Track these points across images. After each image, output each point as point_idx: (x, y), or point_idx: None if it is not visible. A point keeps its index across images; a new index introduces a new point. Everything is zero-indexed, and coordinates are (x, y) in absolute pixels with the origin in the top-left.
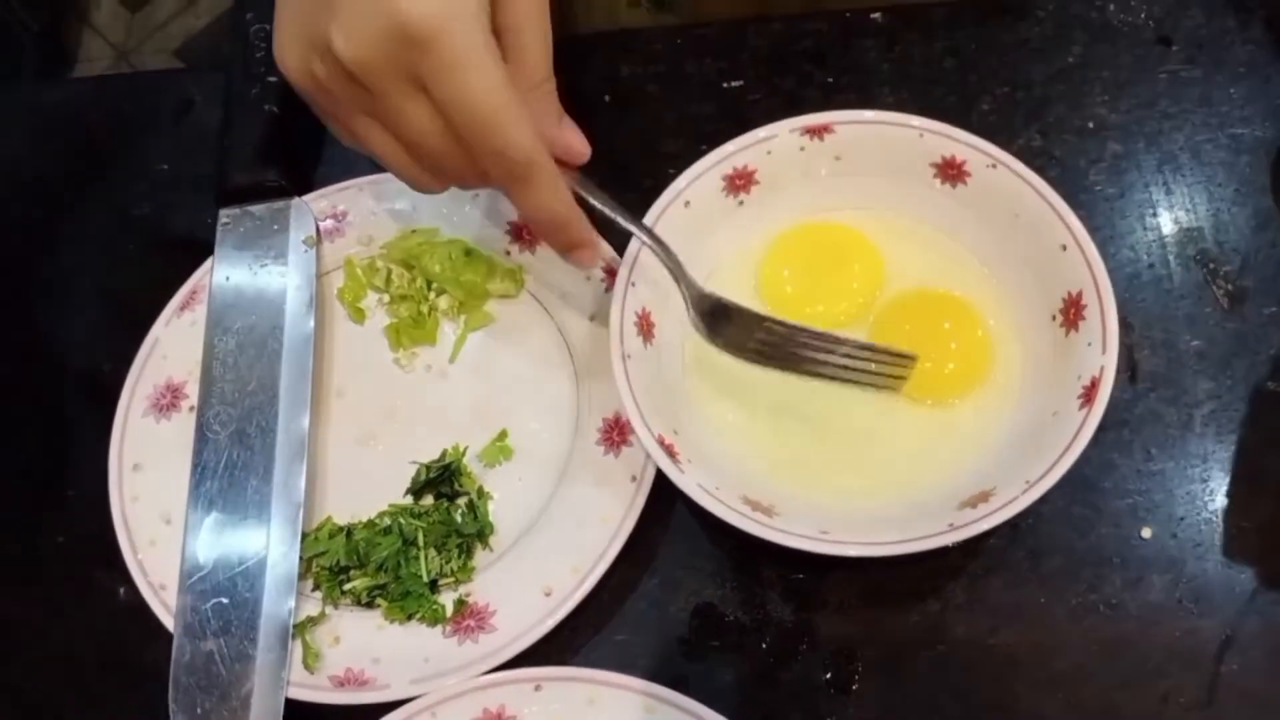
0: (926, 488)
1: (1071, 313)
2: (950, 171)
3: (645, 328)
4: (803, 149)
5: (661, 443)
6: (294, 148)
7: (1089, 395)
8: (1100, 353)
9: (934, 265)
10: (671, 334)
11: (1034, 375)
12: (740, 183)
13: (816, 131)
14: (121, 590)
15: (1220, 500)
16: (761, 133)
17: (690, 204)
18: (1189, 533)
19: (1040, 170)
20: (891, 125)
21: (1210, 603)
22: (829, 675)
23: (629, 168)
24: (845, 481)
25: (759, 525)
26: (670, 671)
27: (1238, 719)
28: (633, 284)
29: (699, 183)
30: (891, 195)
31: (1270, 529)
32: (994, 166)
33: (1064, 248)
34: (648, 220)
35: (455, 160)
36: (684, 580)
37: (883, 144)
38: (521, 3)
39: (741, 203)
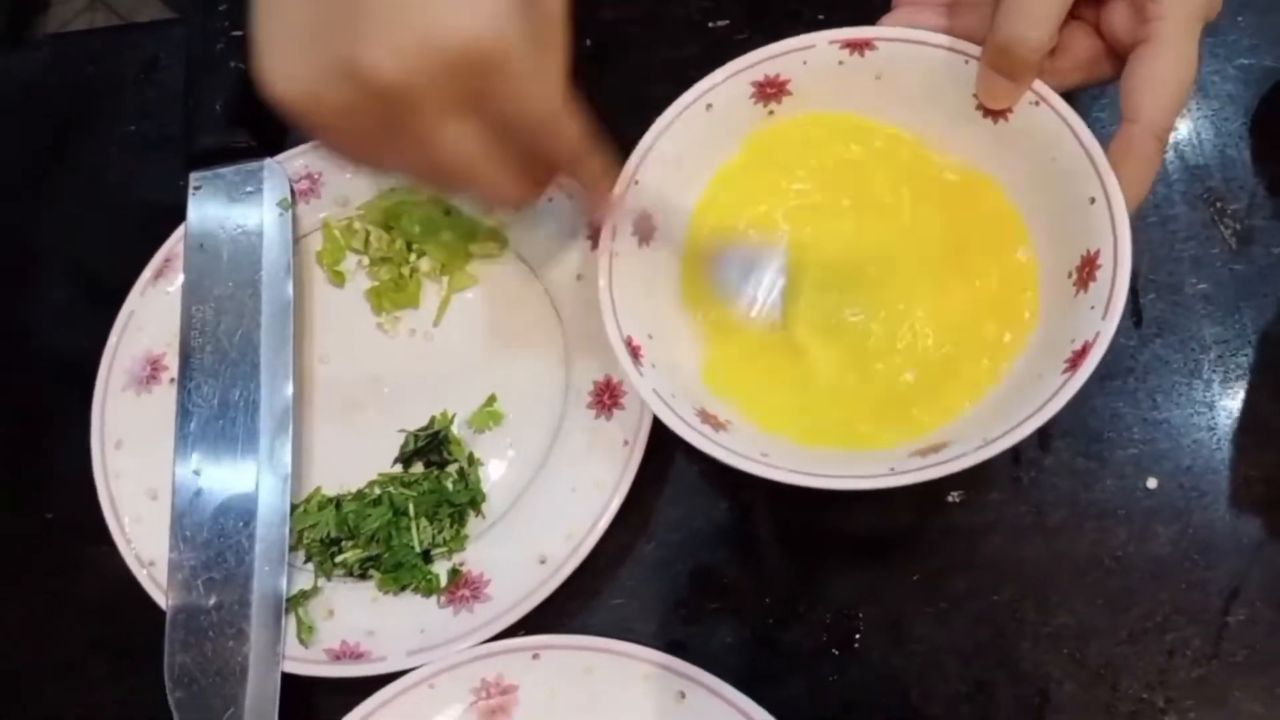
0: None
1: (1085, 272)
2: None
3: (644, 228)
4: (841, 63)
5: (629, 344)
6: (263, 107)
7: (1075, 361)
8: (1100, 317)
9: (966, 205)
10: (675, 236)
11: (1036, 335)
12: (771, 91)
13: (857, 46)
14: (112, 567)
15: (1227, 449)
16: (797, 41)
17: (713, 107)
18: (1195, 483)
19: None
20: (937, 48)
21: (1217, 554)
22: (829, 636)
23: (611, 116)
24: (806, 417)
25: (699, 437)
26: (668, 636)
27: (1245, 672)
28: (636, 183)
29: (725, 86)
30: (931, 124)
31: (1277, 477)
32: (1037, 104)
33: (1092, 200)
34: (665, 118)
35: (489, 172)
36: (680, 544)
37: (926, 67)
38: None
39: (772, 113)
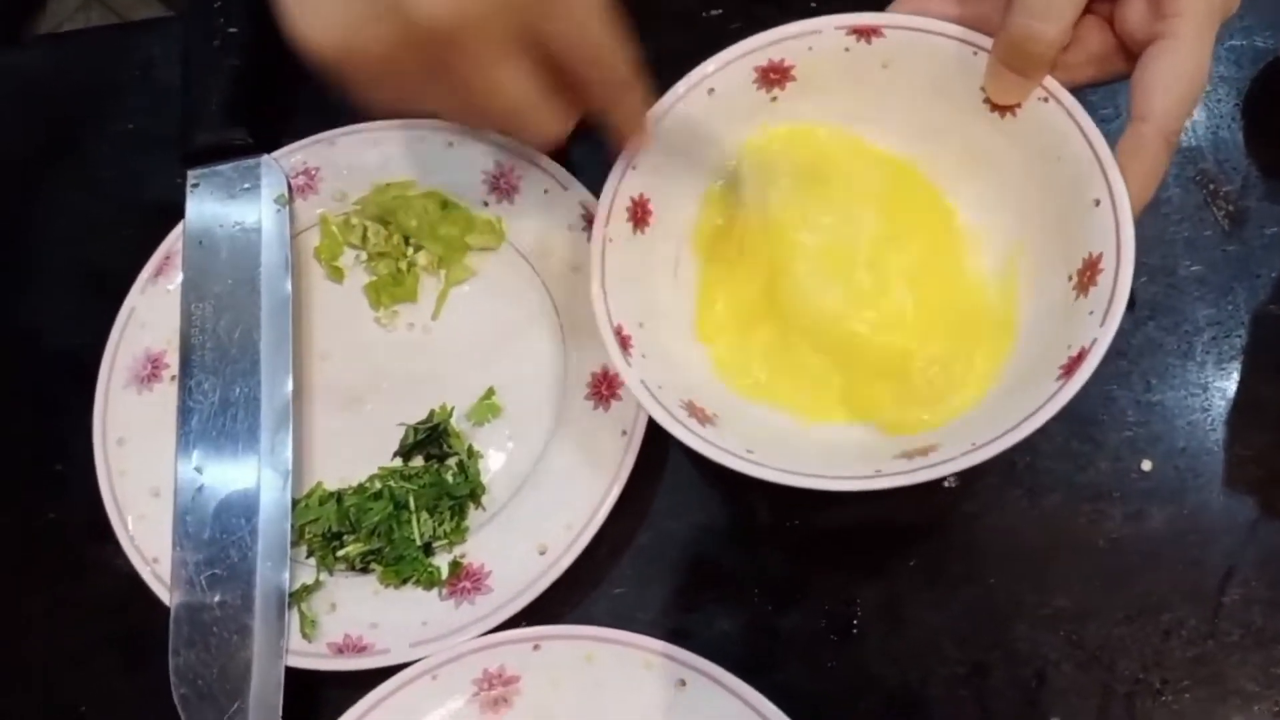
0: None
1: (1086, 275)
2: None
3: (639, 214)
4: (848, 50)
5: (618, 332)
6: (259, 103)
7: (1071, 367)
8: (1098, 324)
9: (971, 200)
10: (669, 225)
11: (1031, 338)
12: (775, 77)
13: (865, 33)
14: (116, 564)
15: (1221, 430)
16: (803, 25)
17: (715, 91)
18: (1190, 464)
19: None
20: (945, 37)
21: (1212, 535)
22: (828, 622)
23: None
24: (796, 415)
25: (684, 430)
26: (668, 624)
27: (1241, 651)
28: (633, 167)
29: (728, 70)
30: (937, 116)
31: (1271, 457)
32: (1046, 100)
33: (1097, 202)
34: (664, 103)
35: (535, 110)
36: (679, 533)
37: (934, 57)
38: None
39: (775, 99)
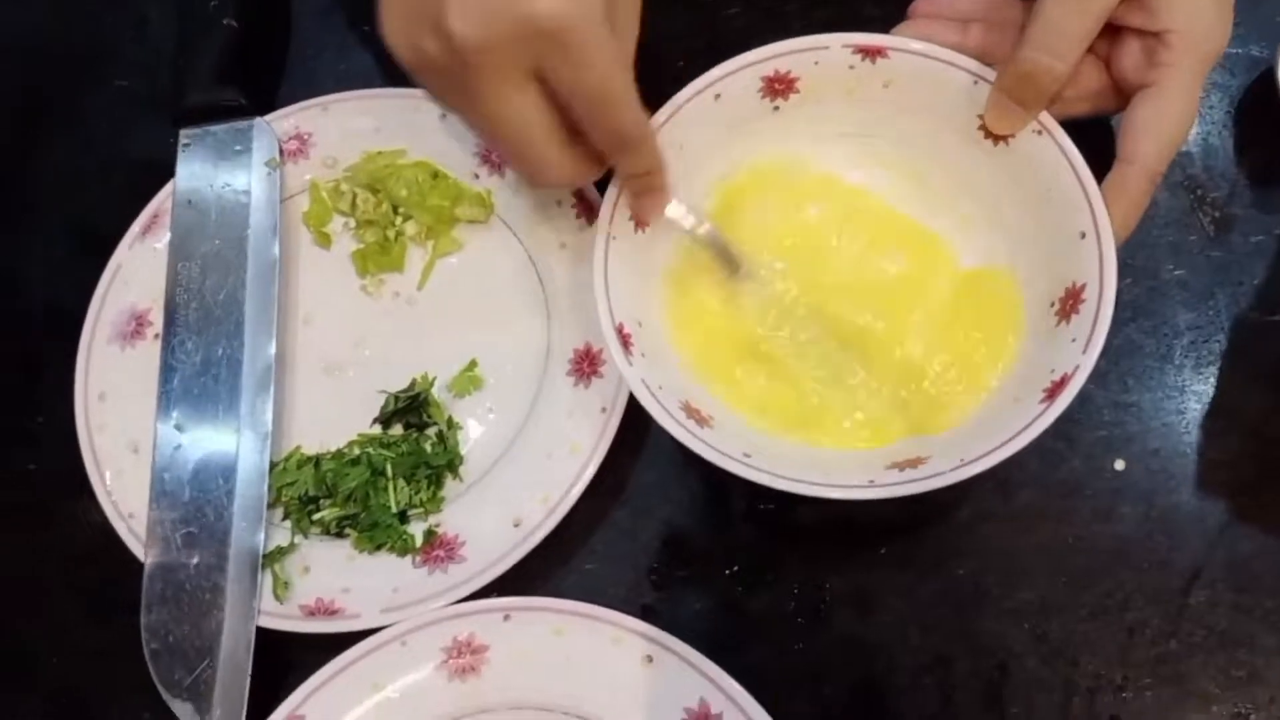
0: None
1: (1069, 304)
2: None
3: None
4: (852, 67)
5: (619, 331)
6: (254, 65)
7: (1053, 392)
8: (1080, 351)
9: (958, 224)
10: (668, 224)
11: (1016, 360)
12: (780, 87)
13: (870, 53)
14: (92, 518)
15: (1195, 433)
16: (811, 40)
17: (721, 97)
18: (1163, 465)
19: None
20: (946, 64)
21: (1180, 536)
22: (796, 605)
23: None
24: (792, 420)
25: (684, 432)
26: (638, 601)
27: (1203, 652)
28: None
29: (734, 78)
30: (932, 139)
31: (1243, 463)
32: (1040, 133)
33: (1083, 235)
34: (672, 103)
35: (540, 144)
36: (654, 510)
37: (935, 82)
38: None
39: (777, 108)
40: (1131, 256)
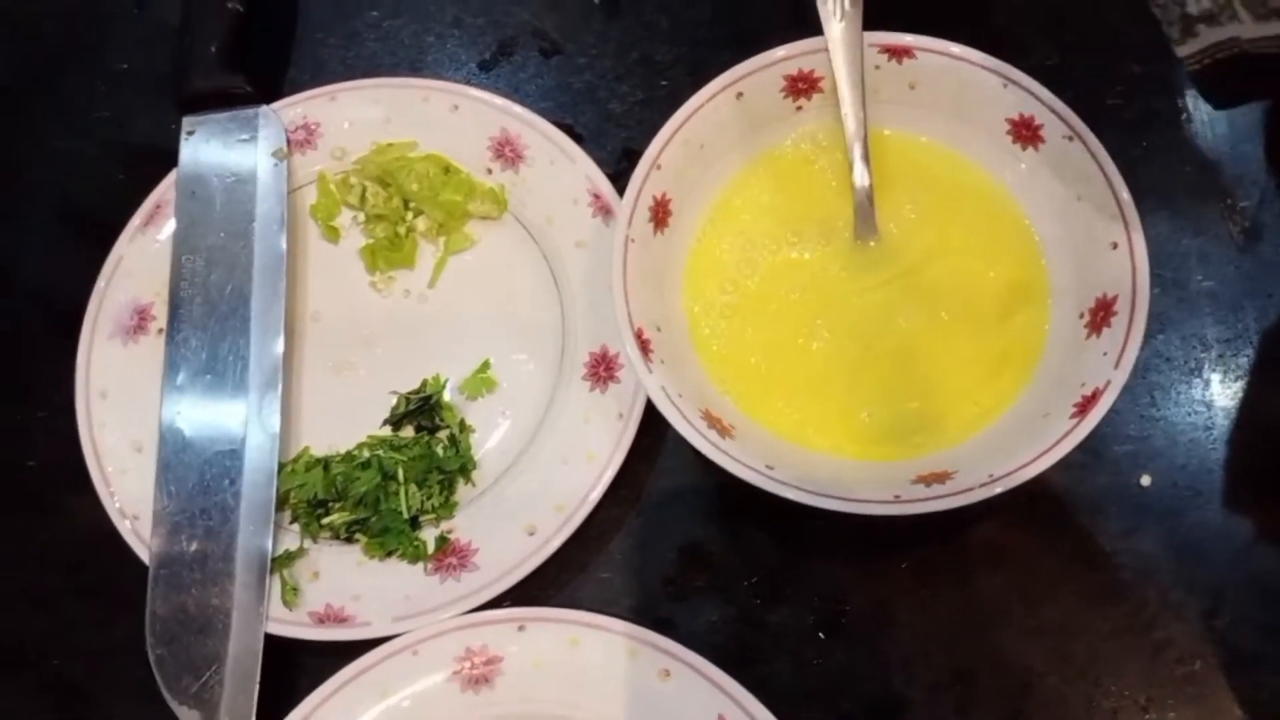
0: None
1: (1100, 315)
2: (1025, 132)
3: (660, 214)
4: (878, 68)
5: (639, 336)
6: (259, 50)
7: (1084, 407)
8: (1112, 366)
9: (986, 227)
10: (688, 225)
11: (1044, 370)
12: (803, 86)
13: (896, 53)
14: (93, 516)
15: (1223, 449)
16: None
17: (743, 96)
18: (1190, 482)
19: (1057, 91)
20: (975, 66)
21: (1206, 554)
22: (815, 618)
23: (619, 79)
24: (815, 429)
25: (707, 444)
26: (654, 612)
27: (1228, 674)
28: (658, 167)
29: (757, 77)
30: (959, 140)
31: (1272, 480)
32: (1071, 139)
33: (1115, 245)
34: (693, 101)
35: None
36: (670, 520)
37: (961, 84)
38: None
39: (800, 108)
40: (1160, 266)
